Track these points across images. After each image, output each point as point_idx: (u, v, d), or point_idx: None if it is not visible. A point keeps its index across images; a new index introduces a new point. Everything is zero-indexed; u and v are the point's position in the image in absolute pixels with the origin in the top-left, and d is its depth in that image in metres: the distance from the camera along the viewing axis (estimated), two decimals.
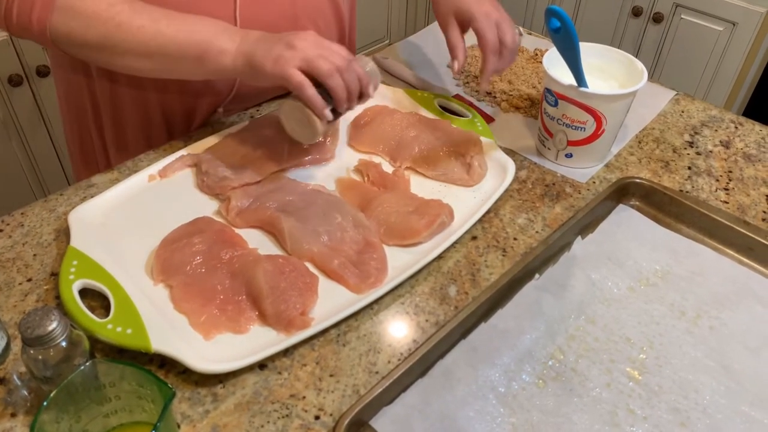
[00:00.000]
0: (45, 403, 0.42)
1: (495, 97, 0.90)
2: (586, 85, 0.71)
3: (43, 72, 1.61)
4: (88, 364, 0.45)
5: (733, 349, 0.59)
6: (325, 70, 0.63)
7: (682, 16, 1.85)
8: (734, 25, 1.76)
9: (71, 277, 0.59)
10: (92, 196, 0.70)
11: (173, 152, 0.76)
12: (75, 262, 0.61)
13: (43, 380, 0.49)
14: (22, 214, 0.70)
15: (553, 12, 0.63)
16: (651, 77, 0.84)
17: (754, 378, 0.57)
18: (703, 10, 1.80)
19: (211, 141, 0.78)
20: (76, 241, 0.63)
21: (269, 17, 0.76)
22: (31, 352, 0.48)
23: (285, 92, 0.89)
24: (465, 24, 0.78)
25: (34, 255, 0.65)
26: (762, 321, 0.62)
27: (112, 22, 0.64)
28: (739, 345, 0.59)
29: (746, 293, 0.64)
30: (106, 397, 0.47)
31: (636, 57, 0.76)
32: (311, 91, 0.63)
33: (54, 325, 0.47)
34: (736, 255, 0.68)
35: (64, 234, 0.67)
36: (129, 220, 0.68)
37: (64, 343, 0.48)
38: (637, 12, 1.93)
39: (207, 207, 0.71)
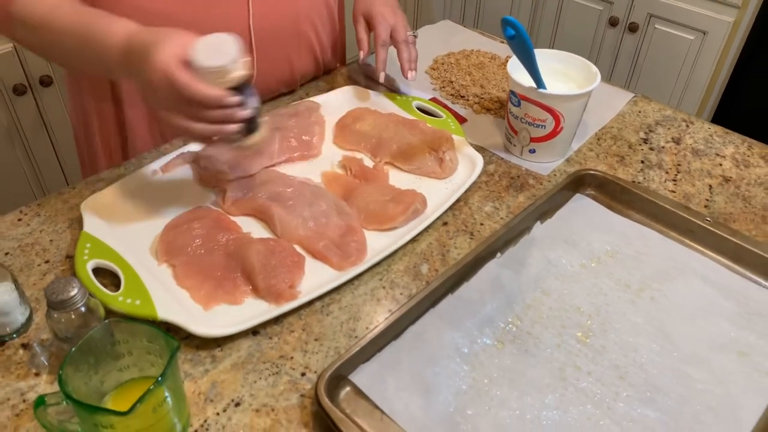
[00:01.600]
0: (69, 355, 0.50)
1: (468, 99, 0.98)
2: (544, 87, 0.80)
3: (46, 82, 1.68)
4: (104, 322, 0.52)
5: (670, 317, 0.67)
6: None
7: (656, 26, 1.95)
8: (704, 34, 1.86)
9: (85, 257, 0.67)
10: (101, 189, 0.78)
11: (173, 150, 0.84)
12: (88, 245, 0.69)
13: (64, 340, 0.57)
14: (38, 205, 0.78)
15: (507, 21, 0.72)
16: (628, 84, 0.93)
17: (687, 340, 0.65)
18: (675, 20, 1.90)
19: None
20: (88, 227, 0.71)
21: (276, 19, 0.87)
22: (55, 315, 0.55)
23: (288, 91, 0.98)
24: (370, 23, 0.93)
25: (51, 240, 0.73)
26: (698, 293, 0.70)
27: (42, 33, 0.71)
28: (677, 313, 0.67)
29: (686, 269, 0.72)
30: (120, 353, 0.54)
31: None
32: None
33: (75, 291, 0.55)
34: (679, 237, 0.76)
35: (76, 222, 0.75)
36: (135, 209, 0.76)
37: (83, 309, 0.56)
38: (613, 22, 2.02)
39: (205, 198, 0.79)
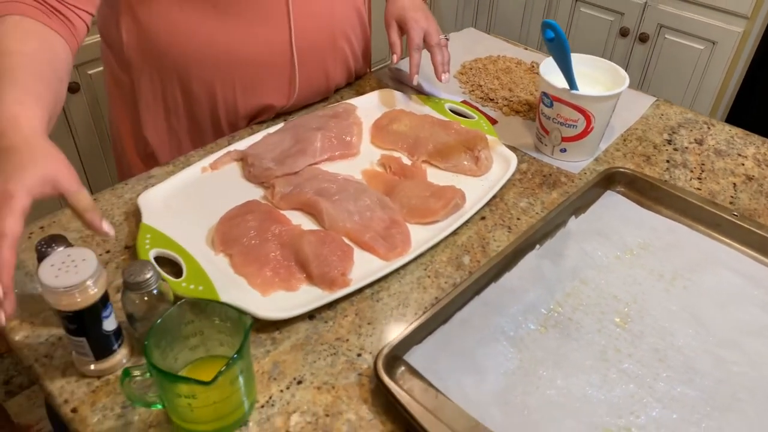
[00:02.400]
0: (151, 330, 0.53)
1: (497, 102, 1.02)
2: (576, 88, 0.84)
3: (73, 88, 1.73)
4: (181, 301, 0.56)
5: (703, 304, 0.70)
6: None
7: (666, 36, 2.00)
8: (714, 43, 1.90)
9: (147, 246, 0.71)
10: (152, 185, 0.82)
11: (218, 149, 0.88)
12: (148, 236, 0.72)
13: (135, 321, 0.60)
14: (95, 199, 0.81)
15: (548, 24, 0.76)
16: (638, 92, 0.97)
17: (720, 326, 0.68)
18: (685, 31, 1.95)
19: (251, 140, 0.90)
20: (147, 219, 0.74)
21: (315, 34, 0.91)
22: (130, 296, 0.59)
23: (322, 98, 1.02)
24: (402, 28, 0.97)
25: None
26: (728, 282, 0.73)
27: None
28: (708, 301, 0.71)
29: (714, 260, 0.76)
30: (192, 333, 0.58)
31: None
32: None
33: (150, 274, 0.58)
34: (706, 230, 0.80)
35: (132, 215, 0.79)
36: (187, 204, 0.79)
37: (155, 291, 0.59)
38: (624, 32, 2.07)
39: (252, 193, 0.82)
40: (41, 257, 0.60)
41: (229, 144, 0.90)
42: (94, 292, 0.55)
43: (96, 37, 1.76)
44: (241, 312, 0.55)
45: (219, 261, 0.72)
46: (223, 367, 0.50)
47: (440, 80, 0.95)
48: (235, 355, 0.52)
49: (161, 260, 0.71)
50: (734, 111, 1.96)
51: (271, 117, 0.97)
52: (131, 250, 0.74)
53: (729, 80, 1.93)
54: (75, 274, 0.54)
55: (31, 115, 0.59)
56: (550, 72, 0.87)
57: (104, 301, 0.57)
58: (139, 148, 0.96)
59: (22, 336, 0.64)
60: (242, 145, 0.89)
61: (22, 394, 1.66)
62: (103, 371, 0.61)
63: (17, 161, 0.55)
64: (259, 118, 0.96)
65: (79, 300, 0.55)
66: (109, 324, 0.59)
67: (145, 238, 0.72)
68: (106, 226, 0.59)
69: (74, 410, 0.58)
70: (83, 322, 0.56)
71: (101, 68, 1.76)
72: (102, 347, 0.59)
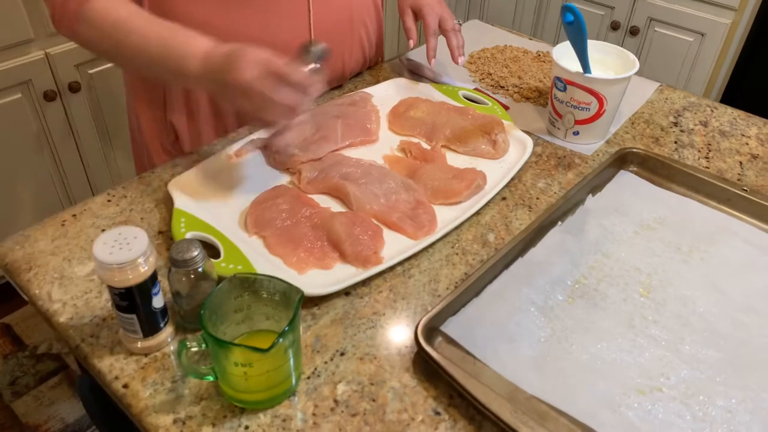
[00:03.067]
0: (205, 303, 0.55)
1: (508, 89, 1.05)
2: (590, 72, 0.87)
3: (74, 88, 1.73)
4: (231, 276, 0.58)
5: (720, 273, 0.73)
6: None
7: (656, 29, 2.04)
8: (703, 35, 1.95)
9: (182, 230, 0.72)
10: (179, 173, 0.83)
11: (240, 138, 0.90)
12: (183, 220, 0.74)
13: (182, 296, 0.62)
14: (123, 188, 0.83)
15: (568, 8, 0.79)
16: None
17: (738, 293, 0.71)
18: (674, 23, 2.00)
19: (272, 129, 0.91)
20: (179, 204, 0.76)
21: (333, 21, 0.93)
22: (176, 273, 0.60)
23: (337, 85, 1.04)
24: (417, 14, 1.01)
25: (141, 218, 0.78)
26: (741, 252, 0.76)
27: (115, 37, 0.76)
28: (725, 270, 0.74)
29: (727, 233, 0.79)
30: (239, 307, 0.59)
31: None
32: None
33: (197, 252, 0.60)
34: (717, 205, 0.83)
35: (162, 202, 0.80)
36: (217, 189, 0.81)
37: (200, 269, 0.61)
38: (615, 26, 2.12)
39: (277, 179, 0.84)
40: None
41: (250, 133, 0.92)
42: (144, 270, 0.57)
43: None
44: (290, 285, 0.57)
45: (253, 242, 0.73)
46: (280, 336, 0.52)
47: (456, 63, 0.98)
48: (288, 325, 0.54)
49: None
50: (724, 101, 2.01)
51: None
52: (164, 235, 0.76)
53: (718, 71, 1.98)
54: (129, 251, 0.56)
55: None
56: (563, 57, 0.89)
57: (153, 279, 0.59)
58: (162, 137, 0.98)
59: (66, 318, 0.65)
60: (262, 133, 0.90)
61: (29, 395, 1.66)
62: (150, 348, 0.62)
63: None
64: None
65: (130, 277, 0.56)
66: (158, 301, 0.60)
67: (179, 222, 0.73)
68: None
69: (126, 386, 0.59)
70: (134, 299, 0.58)
71: (102, 67, 1.78)
72: (150, 324, 0.61)
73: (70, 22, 0.77)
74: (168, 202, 0.79)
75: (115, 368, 0.61)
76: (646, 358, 0.64)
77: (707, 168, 0.90)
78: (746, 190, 0.82)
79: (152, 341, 0.62)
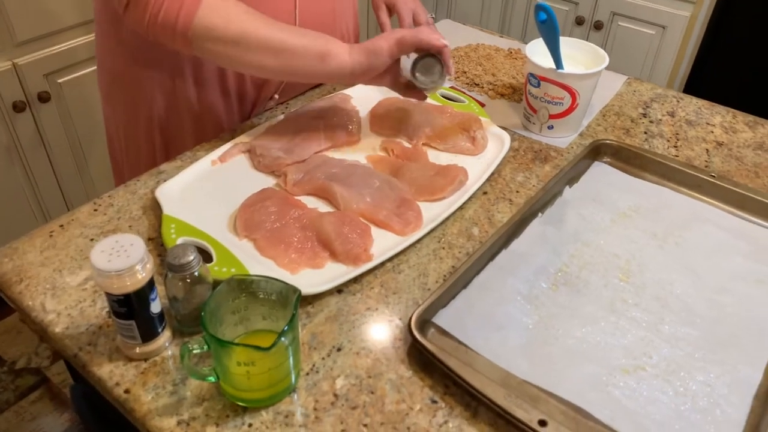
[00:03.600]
0: (206, 305, 0.56)
1: (482, 87, 1.08)
2: (562, 68, 0.90)
3: (44, 98, 1.71)
4: (229, 277, 0.59)
5: (694, 257, 0.77)
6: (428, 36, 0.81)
7: (619, 23, 2.10)
8: (664, 28, 2.02)
9: (173, 236, 0.73)
10: (164, 180, 0.84)
11: (223, 143, 0.91)
12: (173, 226, 0.75)
13: (179, 301, 0.63)
14: (109, 196, 0.83)
15: (541, 7, 0.82)
16: None
17: (712, 275, 0.75)
18: (636, 17, 2.05)
19: (254, 133, 0.92)
20: (167, 210, 0.77)
21: (318, 10, 0.95)
22: (173, 277, 0.61)
23: (313, 86, 1.06)
24: (391, 9, 1.05)
25: (129, 226, 0.79)
26: (712, 236, 0.80)
27: (249, 23, 0.78)
28: (698, 253, 0.78)
29: (700, 218, 0.83)
30: (237, 309, 0.61)
31: None
32: (447, 43, 0.83)
33: (193, 256, 0.61)
34: (688, 192, 0.87)
35: (149, 209, 0.81)
36: (203, 194, 0.82)
37: (196, 273, 0.62)
38: (580, 21, 2.17)
39: (263, 182, 0.85)
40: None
41: (233, 137, 0.93)
42: (142, 276, 0.58)
43: (66, 44, 1.76)
44: (287, 285, 0.58)
45: (244, 245, 0.75)
46: (281, 335, 0.54)
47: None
48: (288, 324, 0.55)
49: None
50: (687, 91, 2.08)
51: (277, 90, 1.00)
52: (155, 241, 0.76)
53: (680, 62, 2.05)
54: (126, 258, 0.57)
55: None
56: (535, 54, 0.92)
57: (151, 284, 0.60)
58: (147, 145, 0.98)
59: (62, 328, 0.66)
60: (245, 138, 0.91)
61: (10, 411, 1.64)
62: (149, 353, 0.63)
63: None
64: (266, 91, 0.99)
65: (128, 283, 0.57)
66: (156, 307, 0.61)
67: (169, 228, 0.74)
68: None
69: (127, 391, 0.60)
70: (132, 306, 0.59)
71: (71, 76, 1.76)
72: (149, 330, 0.62)
73: (189, 8, 0.76)
74: (155, 208, 0.80)
75: (115, 375, 0.62)
76: (629, 340, 0.67)
77: (676, 156, 0.94)
78: (714, 176, 0.86)
79: (151, 346, 0.63)
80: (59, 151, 1.81)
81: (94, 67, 1.77)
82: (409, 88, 0.88)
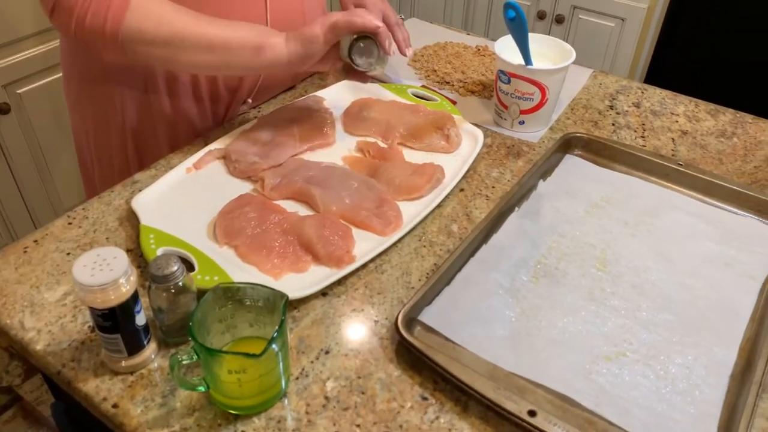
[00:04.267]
0: (193, 314, 0.56)
1: (453, 85, 1.09)
2: (531, 64, 0.92)
3: (4, 109, 1.67)
4: (215, 286, 0.59)
5: (665, 243, 0.80)
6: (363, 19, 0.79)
7: (580, 17, 2.14)
8: (623, 20, 2.06)
9: (153, 246, 0.72)
10: (139, 190, 0.83)
11: (196, 151, 0.90)
12: (152, 236, 0.74)
13: (163, 312, 0.62)
14: (83, 209, 0.82)
15: (510, 5, 0.83)
16: None
17: (683, 260, 0.77)
18: (596, 10, 2.10)
19: (228, 139, 0.92)
20: (145, 221, 0.76)
21: (289, 18, 0.95)
22: (157, 288, 0.61)
23: (286, 88, 1.05)
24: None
25: (106, 238, 0.77)
26: (682, 223, 0.83)
27: (179, 22, 0.77)
28: (669, 240, 0.80)
29: (668, 205, 0.85)
30: (223, 317, 0.61)
31: None
32: (381, 24, 0.80)
33: (177, 266, 0.61)
34: (657, 180, 0.90)
35: (126, 220, 0.80)
36: (180, 203, 0.81)
37: (180, 283, 0.62)
38: (541, 15, 2.21)
39: (240, 188, 0.85)
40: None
41: (206, 144, 0.92)
42: (126, 289, 0.57)
43: (25, 54, 1.71)
44: (274, 291, 0.58)
45: (225, 253, 0.74)
46: (271, 341, 0.54)
47: (405, 55, 0.99)
48: (278, 329, 0.55)
49: None
50: (648, 81, 2.13)
51: (251, 94, 1.00)
52: (133, 252, 0.75)
53: (640, 53, 2.10)
54: (110, 271, 0.56)
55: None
56: (504, 51, 0.94)
57: (135, 297, 0.59)
58: (119, 155, 0.97)
59: (44, 345, 0.65)
60: (219, 143, 0.91)
61: None
62: (135, 366, 0.62)
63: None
64: (239, 95, 0.98)
65: (113, 297, 0.57)
66: (140, 319, 0.60)
67: (148, 238, 0.73)
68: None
69: (115, 406, 0.59)
70: (117, 319, 0.58)
71: (32, 86, 1.71)
72: (134, 343, 0.61)
73: (117, 14, 0.75)
74: (132, 219, 0.79)
75: (101, 390, 0.61)
76: (609, 327, 0.69)
77: (644, 146, 0.97)
78: (681, 165, 0.89)
79: (137, 359, 0.62)
80: (22, 164, 1.77)
81: (56, 76, 1.74)
82: (350, 72, 0.87)
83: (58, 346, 0.65)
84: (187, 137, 0.96)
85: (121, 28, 0.76)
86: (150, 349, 0.63)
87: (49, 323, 0.67)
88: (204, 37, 0.79)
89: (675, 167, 0.89)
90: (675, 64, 2.10)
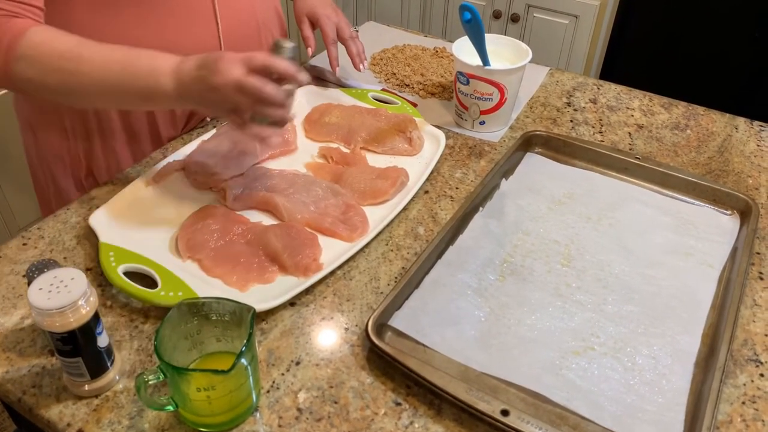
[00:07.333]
0: (158, 332, 0.54)
1: (413, 87, 1.09)
2: (489, 64, 0.92)
3: None
4: (179, 302, 0.57)
5: (627, 235, 0.81)
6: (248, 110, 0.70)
7: (535, 15, 2.17)
8: (576, 17, 2.10)
9: (113, 264, 0.70)
10: (97, 207, 0.80)
11: (154, 163, 0.88)
12: (111, 253, 0.72)
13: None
14: (38, 228, 0.79)
15: (465, 7, 0.84)
16: None
17: (644, 251, 0.79)
18: (550, 8, 2.13)
19: (186, 149, 0.90)
20: (104, 238, 0.74)
21: (242, 32, 0.93)
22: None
23: None
24: (314, 23, 1.03)
25: (64, 258, 0.75)
26: (642, 215, 0.85)
27: (65, 70, 0.71)
28: (631, 232, 0.82)
29: (628, 198, 0.87)
30: (189, 333, 0.59)
31: None
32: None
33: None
34: (617, 174, 0.92)
35: (84, 238, 0.78)
36: (140, 218, 0.79)
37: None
38: (497, 15, 2.23)
39: (202, 199, 0.83)
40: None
41: (165, 156, 0.90)
42: (86, 311, 0.56)
43: None
44: (240, 304, 0.57)
45: (189, 267, 0.73)
46: (239, 356, 0.53)
47: (359, 69, 1.01)
48: (246, 344, 0.54)
49: (131, 275, 0.71)
50: (603, 77, 2.18)
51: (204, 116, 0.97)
52: (93, 271, 0.73)
53: (594, 50, 2.14)
54: (68, 293, 0.54)
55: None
56: (462, 52, 0.95)
57: (96, 318, 0.57)
58: (75, 171, 0.94)
59: (1, 373, 0.62)
60: (178, 155, 0.89)
61: None
62: (100, 389, 0.61)
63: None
64: (195, 114, 0.96)
65: (72, 320, 0.55)
66: (103, 340, 0.59)
67: (108, 256, 0.71)
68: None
69: (80, 431, 0.58)
70: (77, 342, 0.56)
71: None
72: (97, 365, 0.59)
73: (4, 63, 0.71)
74: (90, 237, 0.77)
75: (65, 415, 0.59)
76: (576, 322, 0.69)
77: (602, 142, 0.99)
78: (639, 158, 0.90)
79: (101, 381, 0.60)
80: None
81: (3, 92, 1.68)
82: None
83: (17, 373, 0.62)
84: (145, 151, 0.94)
85: (11, 76, 0.72)
86: (114, 370, 0.61)
87: (7, 349, 0.64)
88: (93, 84, 0.71)
89: (633, 161, 0.90)
90: (628, 60, 2.15)
